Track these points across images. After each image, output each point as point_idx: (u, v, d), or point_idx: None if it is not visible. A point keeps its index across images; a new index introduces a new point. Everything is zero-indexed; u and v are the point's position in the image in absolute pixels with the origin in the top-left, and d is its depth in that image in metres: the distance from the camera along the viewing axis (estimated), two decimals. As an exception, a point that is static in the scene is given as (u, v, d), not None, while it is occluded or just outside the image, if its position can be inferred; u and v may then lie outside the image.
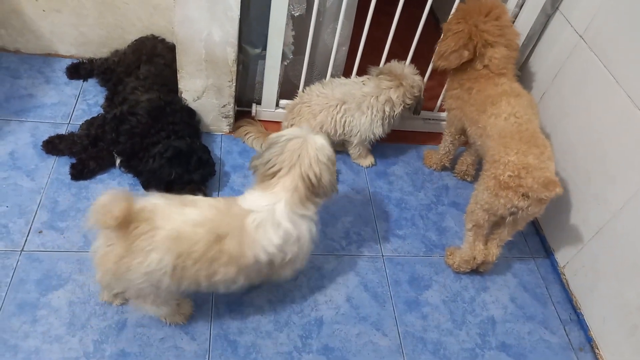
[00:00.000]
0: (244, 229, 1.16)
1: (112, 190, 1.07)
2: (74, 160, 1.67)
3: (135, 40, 1.95)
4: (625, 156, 1.46)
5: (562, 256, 1.71)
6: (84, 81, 1.99)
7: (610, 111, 1.52)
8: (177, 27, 1.58)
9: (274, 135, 1.26)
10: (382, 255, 1.68)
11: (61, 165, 1.68)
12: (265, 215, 1.17)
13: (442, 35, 1.62)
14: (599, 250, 1.55)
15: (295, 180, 1.19)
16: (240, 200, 1.22)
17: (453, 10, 1.67)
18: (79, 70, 1.98)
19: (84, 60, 1.99)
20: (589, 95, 1.61)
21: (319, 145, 1.20)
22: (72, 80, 1.99)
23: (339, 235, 1.71)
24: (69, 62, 2.01)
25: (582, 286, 1.62)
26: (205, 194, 1.68)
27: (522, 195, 1.39)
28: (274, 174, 1.20)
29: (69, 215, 1.57)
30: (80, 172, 1.65)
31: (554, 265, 1.75)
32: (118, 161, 1.70)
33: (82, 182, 1.66)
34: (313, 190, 1.20)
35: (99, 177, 1.69)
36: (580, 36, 1.66)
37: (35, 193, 1.60)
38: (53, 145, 1.69)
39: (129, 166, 1.69)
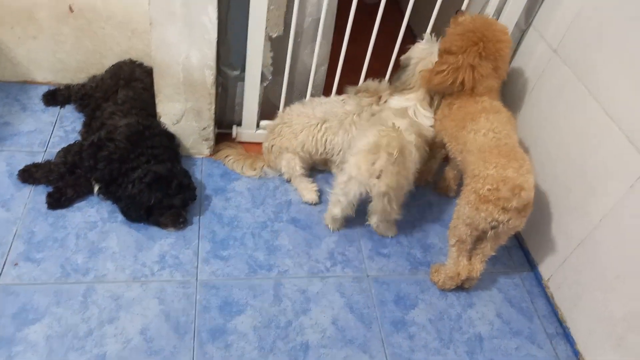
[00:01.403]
0: (408, 117, 1.65)
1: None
2: (50, 189, 1.64)
3: (113, 65, 1.94)
4: (603, 167, 1.47)
5: (546, 269, 1.72)
6: (61, 108, 1.97)
7: (586, 123, 1.54)
8: (154, 51, 1.57)
9: (405, 56, 1.71)
10: (367, 275, 1.67)
11: (38, 194, 1.65)
12: (415, 109, 1.67)
13: (439, 61, 1.59)
14: (581, 262, 1.56)
15: (423, 92, 1.68)
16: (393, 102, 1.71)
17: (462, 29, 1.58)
18: (55, 97, 1.96)
19: (61, 87, 1.97)
20: (565, 108, 1.63)
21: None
22: (49, 107, 1.96)
23: (324, 257, 1.69)
24: (45, 88, 1.98)
25: (567, 299, 1.62)
26: (186, 220, 1.66)
27: (502, 208, 1.39)
28: (410, 88, 1.69)
29: (45, 245, 1.54)
30: (57, 201, 1.62)
31: (538, 278, 1.75)
32: (96, 188, 1.67)
33: (59, 211, 1.63)
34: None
35: (76, 205, 1.66)
36: (554, 51, 1.69)
37: (11, 224, 1.56)
38: (29, 174, 1.66)
39: (108, 192, 1.66)
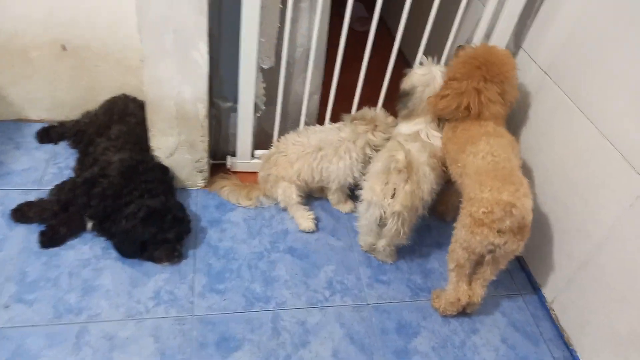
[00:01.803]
0: (422, 140, 1.66)
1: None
2: (43, 227, 1.62)
3: (107, 101, 1.95)
4: (602, 188, 1.46)
5: (550, 291, 1.69)
6: (55, 144, 1.97)
7: (582, 144, 1.53)
8: (146, 87, 1.58)
9: (407, 86, 1.69)
10: (368, 304, 1.64)
11: (31, 233, 1.63)
12: (426, 131, 1.68)
13: (443, 87, 1.60)
14: (585, 283, 1.53)
15: (431, 116, 1.68)
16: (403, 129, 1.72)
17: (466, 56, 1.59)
18: (49, 134, 1.96)
19: (55, 124, 1.98)
20: (560, 129, 1.63)
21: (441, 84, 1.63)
22: (43, 145, 1.96)
23: (322, 286, 1.66)
24: (39, 126, 1.99)
25: (573, 321, 1.59)
26: (181, 253, 1.64)
27: (498, 231, 1.38)
28: (417, 114, 1.69)
29: (38, 285, 1.51)
30: (50, 240, 1.60)
31: (542, 301, 1.72)
32: (90, 225, 1.65)
33: (52, 250, 1.61)
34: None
35: (69, 242, 1.64)
36: (545, 72, 1.69)
37: (3, 265, 1.54)
38: (22, 213, 1.65)
39: (102, 229, 1.64)
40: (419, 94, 1.68)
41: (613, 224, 1.42)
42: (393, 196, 1.50)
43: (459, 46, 1.72)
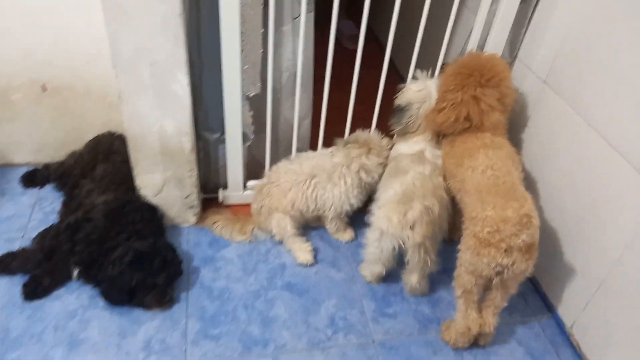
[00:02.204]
0: (427, 160, 1.58)
1: None
2: (27, 279, 1.54)
3: (91, 140, 1.88)
4: (613, 201, 1.36)
5: (568, 315, 1.57)
6: (40, 188, 1.90)
7: (588, 154, 1.44)
8: (126, 124, 1.51)
9: (402, 102, 1.62)
10: (373, 341, 1.53)
11: (14, 285, 1.55)
12: (430, 150, 1.61)
13: (439, 101, 1.53)
14: (606, 305, 1.42)
15: (430, 133, 1.61)
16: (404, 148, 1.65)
17: (445, 69, 1.56)
18: (34, 178, 1.89)
19: (40, 167, 1.91)
20: (564, 139, 1.53)
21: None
22: (29, 189, 1.89)
23: (323, 324, 1.56)
24: (24, 170, 1.92)
25: (595, 347, 1.47)
26: (172, 298, 1.55)
27: (505, 251, 1.28)
28: (414, 131, 1.62)
29: (21, 342, 1.42)
30: (33, 292, 1.52)
31: (560, 326, 1.60)
32: (75, 272, 1.57)
33: (37, 302, 1.52)
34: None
35: (55, 293, 1.55)
36: (544, 81, 1.61)
37: (-16, 321, 1.45)
38: (4, 265, 1.56)
39: (88, 276, 1.56)
40: (414, 111, 1.60)
41: (629, 240, 1.31)
42: (412, 227, 1.42)
43: (444, 63, 1.65)
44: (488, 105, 1.47)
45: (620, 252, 1.35)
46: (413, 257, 1.49)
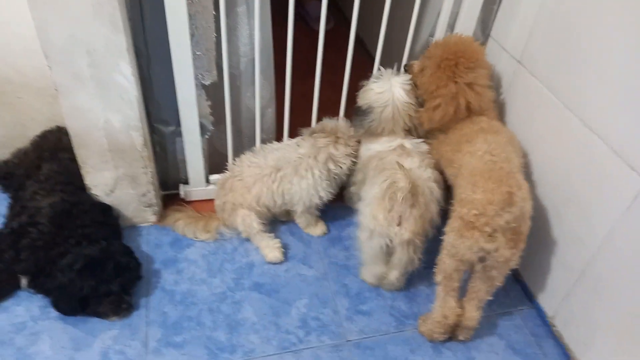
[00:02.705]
0: (412, 152, 1.49)
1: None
2: (-33, 291, 1.41)
3: (38, 136, 1.73)
4: (593, 188, 1.28)
5: (549, 305, 1.51)
6: (-15, 190, 1.75)
7: (567, 139, 1.35)
8: (67, 119, 1.37)
9: (363, 104, 1.51)
10: (348, 340, 1.45)
11: (-46, 299, 1.42)
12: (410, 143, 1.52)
13: (429, 99, 1.46)
14: (586, 296, 1.35)
15: (400, 131, 1.52)
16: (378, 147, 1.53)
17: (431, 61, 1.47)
18: (-23, 179, 1.74)
19: (-17, 167, 1.76)
20: (541, 124, 1.45)
21: (402, 101, 1.48)
22: (-28, 192, 1.74)
23: (295, 325, 1.47)
24: (-34, 171, 1.76)
25: (578, 338, 1.41)
26: (130, 305, 1.43)
27: (489, 235, 1.21)
28: (379, 134, 1.53)
29: (-39, 363, 1.30)
30: (-26, 305, 1.39)
31: (541, 316, 1.54)
32: (24, 281, 1.44)
33: (-21, 316, 1.40)
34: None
35: (1, 304, 1.43)
36: (518, 61, 1.52)
37: None
38: (-58, 277, 1.43)
39: (37, 285, 1.43)
40: (377, 115, 1.49)
41: (609, 229, 1.24)
42: (399, 223, 1.33)
43: (405, 66, 1.58)
44: (482, 87, 1.41)
45: (600, 242, 1.28)
46: (401, 256, 1.40)
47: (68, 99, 1.32)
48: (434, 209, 1.41)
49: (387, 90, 1.48)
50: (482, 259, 1.27)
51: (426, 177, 1.42)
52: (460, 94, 1.41)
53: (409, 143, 1.51)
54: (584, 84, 1.28)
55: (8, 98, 1.68)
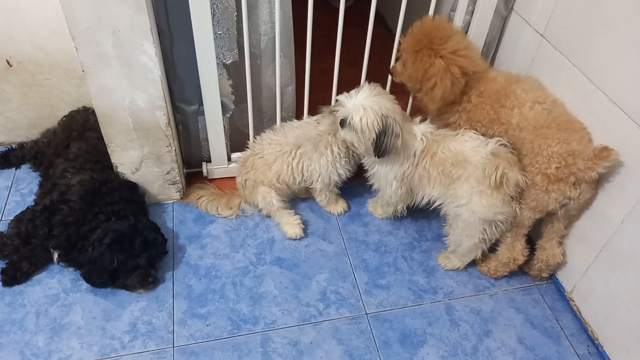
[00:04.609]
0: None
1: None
2: (4, 265, 1.48)
3: (65, 116, 1.79)
4: (618, 163, 1.27)
5: (568, 280, 1.51)
6: (16, 169, 1.82)
7: (591, 114, 1.34)
8: (94, 99, 1.41)
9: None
10: (366, 314, 1.48)
11: (-8, 272, 1.50)
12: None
13: (425, 84, 1.45)
14: (607, 270, 1.35)
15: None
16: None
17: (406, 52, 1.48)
18: (9, 159, 1.81)
19: (14, 146, 1.83)
20: (565, 97, 1.43)
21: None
22: (4, 170, 1.81)
23: (315, 298, 1.51)
24: (-1, 150, 1.84)
25: (596, 313, 1.42)
26: (156, 278, 1.49)
27: (574, 184, 1.30)
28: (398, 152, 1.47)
29: (2, 330, 1.37)
30: (12, 278, 1.47)
31: (560, 291, 1.54)
32: (56, 256, 1.51)
33: (16, 288, 1.47)
34: None
35: (35, 277, 1.50)
36: (542, 35, 1.49)
37: (-37, 311, 1.41)
38: (-19, 252, 1.51)
39: (69, 259, 1.50)
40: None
41: (632, 205, 1.24)
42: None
43: (391, 70, 1.58)
44: (466, 50, 1.42)
45: (622, 219, 1.28)
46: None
47: (94, 79, 1.36)
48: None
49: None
50: (564, 205, 1.34)
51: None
52: (450, 64, 1.41)
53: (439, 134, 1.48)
54: (607, 58, 1.26)
55: (36, 80, 1.73)
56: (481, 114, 1.47)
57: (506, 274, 1.54)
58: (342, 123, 1.44)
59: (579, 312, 1.47)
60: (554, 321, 1.49)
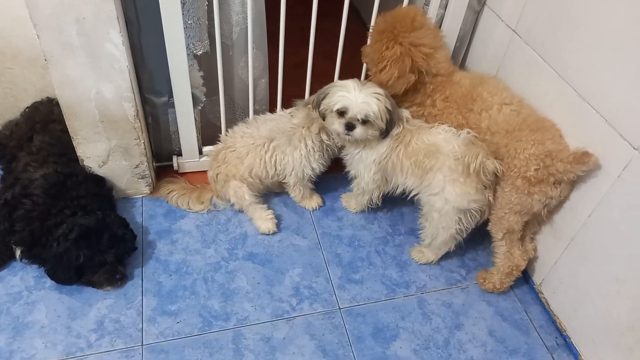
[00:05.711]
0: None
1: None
2: (-38, 262, 1.42)
3: (28, 107, 1.72)
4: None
5: (537, 273, 1.54)
6: (-24, 162, 1.74)
7: (561, 109, 1.36)
8: (57, 90, 1.36)
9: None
10: (340, 308, 1.48)
11: (-51, 270, 1.43)
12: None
13: (379, 60, 1.44)
14: (575, 263, 1.38)
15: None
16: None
17: (373, 32, 1.48)
18: (-31, 152, 1.73)
19: (-26, 140, 1.75)
20: (535, 93, 1.44)
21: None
22: (-37, 164, 1.73)
23: (288, 294, 1.50)
24: (-43, 143, 1.75)
25: (564, 305, 1.44)
26: (124, 275, 1.45)
27: (554, 184, 1.30)
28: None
29: (-41, 331, 1.32)
30: (-30, 275, 1.41)
31: (529, 284, 1.57)
32: (18, 252, 1.45)
33: (-25, 286, 1.41)
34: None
35: (-4, 275, 1.45)
36: (514, 30, 1.51)
37: None
38: (-63, 248, 1.44)
39: (32, 255, 1.45)
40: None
41: (600, 198, 1.26)
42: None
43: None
44: (430, 47, 1.41)
45: (590, 210, 1.30)
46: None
47: (58, 69, 1.31)
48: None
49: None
50: (547, 205, 1.35)
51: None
52: (405, 54, 1.40)
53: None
54: (577, 54, 1.28)
55: (-3, 69, 1.66)
56: (448, 118, 1.47)
57: (512, 283, 1.51)
58: (351, 126, 1.42)
59: (548, 304, 1.50)
60: (524, 313, 1.51)
